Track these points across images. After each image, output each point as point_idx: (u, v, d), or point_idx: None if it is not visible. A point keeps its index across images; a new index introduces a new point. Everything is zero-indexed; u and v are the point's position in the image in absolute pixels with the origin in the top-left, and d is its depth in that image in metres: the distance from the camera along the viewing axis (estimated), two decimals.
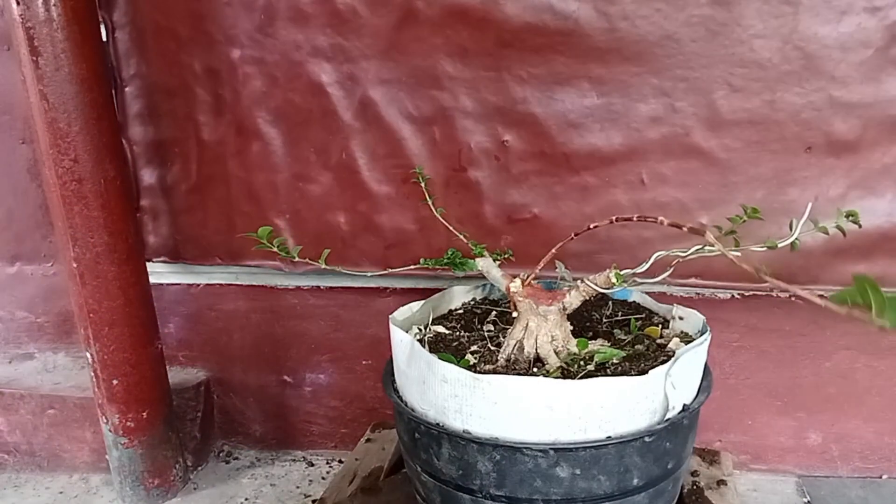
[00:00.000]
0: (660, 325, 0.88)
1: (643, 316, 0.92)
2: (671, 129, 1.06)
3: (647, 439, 0.69)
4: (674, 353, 0.75)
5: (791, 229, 0.66)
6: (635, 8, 1.01)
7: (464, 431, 0.66)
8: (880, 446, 1.20)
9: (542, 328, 0.71)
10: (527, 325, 0.71)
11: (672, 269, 0.72)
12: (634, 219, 0.69)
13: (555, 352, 0.72)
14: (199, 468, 1.36)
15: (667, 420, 0.70)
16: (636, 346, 0.80)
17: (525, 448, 0.66)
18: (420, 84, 1.10)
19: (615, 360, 0.73)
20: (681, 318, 0.88)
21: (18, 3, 1.00)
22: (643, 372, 0.70)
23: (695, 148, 1.06)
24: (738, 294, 1.16)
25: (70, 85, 1.04)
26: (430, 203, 0.80)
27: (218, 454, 1.40)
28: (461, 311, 0.95)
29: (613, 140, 1.08)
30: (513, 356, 0.71)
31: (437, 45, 1.08)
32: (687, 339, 0.84)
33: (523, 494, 0.68)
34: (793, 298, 1.15)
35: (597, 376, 0.70)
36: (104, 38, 1.16)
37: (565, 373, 0.70)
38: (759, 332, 1.18)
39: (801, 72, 1.00)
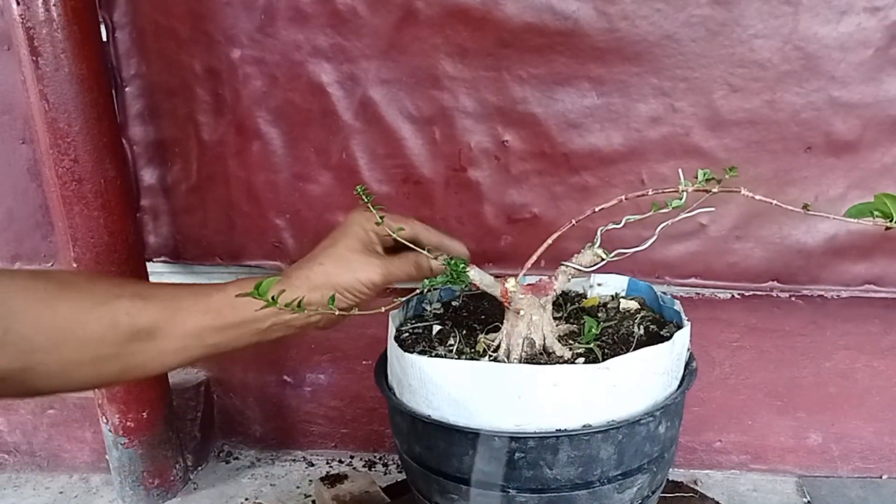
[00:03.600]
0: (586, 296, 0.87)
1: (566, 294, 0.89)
2: (671, 129, 1.06)
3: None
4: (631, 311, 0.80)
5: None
6: (635, 8, 1.01)
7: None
8: (880, 446, 1.21)
9: (544, 319, 0.71)
10: (531, 319, 0.71)
11: (655, 238, 0.72)
12: (650, 192, 0.69)
13: (557, 339, 0.72)
14: (199, 468, 1.36)
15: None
16: (598, 315, 0.81)
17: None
18: (420, 84, 1.10)
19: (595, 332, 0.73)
20: (600, 285, 0.88)
21: (18, 3, 1.00)
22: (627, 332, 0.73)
23: (695, 148, 1.06)
24: (738, 294, 1.17)
25: (70, 85, 1.04)
26: (376, 215, 0.79)
27: (218, 454, 1.40)
28: (405, 337, 0.81)
29: (613, 140, 1.08)
30: (524, 353, 0.71)
31: (437, 45, 1.08)
32: (623, 297, 0.85)
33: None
34: (793, 298, 1.15)
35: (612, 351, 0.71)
36: (104, 38, 1.16)
37: (586, 354, 0.70)
38: (759, 332, 1.18)
39: (801, 72, 1.00)
